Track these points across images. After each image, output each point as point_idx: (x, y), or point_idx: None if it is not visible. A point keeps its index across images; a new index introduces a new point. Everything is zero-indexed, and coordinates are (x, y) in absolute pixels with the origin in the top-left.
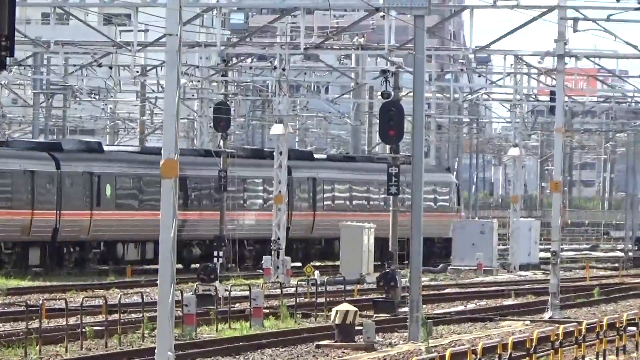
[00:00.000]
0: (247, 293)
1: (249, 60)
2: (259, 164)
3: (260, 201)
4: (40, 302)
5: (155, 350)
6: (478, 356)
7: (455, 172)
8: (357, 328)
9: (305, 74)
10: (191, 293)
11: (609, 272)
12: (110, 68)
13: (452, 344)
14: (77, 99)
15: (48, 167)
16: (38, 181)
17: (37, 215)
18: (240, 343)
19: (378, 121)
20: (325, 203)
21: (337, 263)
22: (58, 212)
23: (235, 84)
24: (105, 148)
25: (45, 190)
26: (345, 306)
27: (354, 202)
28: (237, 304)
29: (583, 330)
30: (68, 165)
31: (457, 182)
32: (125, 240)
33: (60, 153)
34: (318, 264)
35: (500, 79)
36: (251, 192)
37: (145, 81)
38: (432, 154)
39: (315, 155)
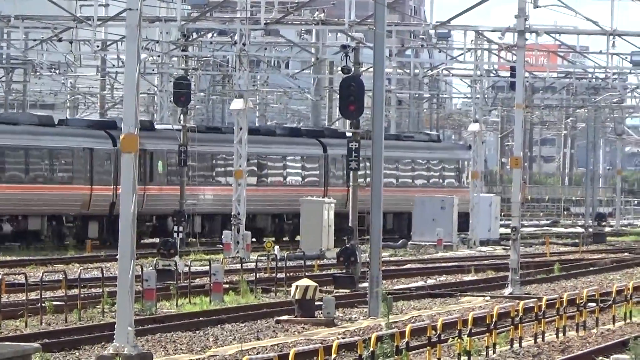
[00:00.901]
0: (207, 268)
1: (209, 35)
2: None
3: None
4: (0, 276)
5: (115, 325)
6: (438, 332)
7: None
8: (317, 303)
9: (265, 49)
10: (151, 268)
11: (569, 248)
12: (71, 43)
13: (412, 320)
14: (38, 73)
15: (105, 145)
16: (96, 158)
17: (95, 191)
18: (200, 318)
19: (338, 96)
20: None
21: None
22: (115, 187)
23: (196, 58)
24: (156, 126)
25: (103, 166)
26: (305, 281)
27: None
28: (197, 279)
29: (543, 306)
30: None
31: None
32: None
33: (115, 131)
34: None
35: (460, 55)
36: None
37: (105, 56)
38: (392, 129)
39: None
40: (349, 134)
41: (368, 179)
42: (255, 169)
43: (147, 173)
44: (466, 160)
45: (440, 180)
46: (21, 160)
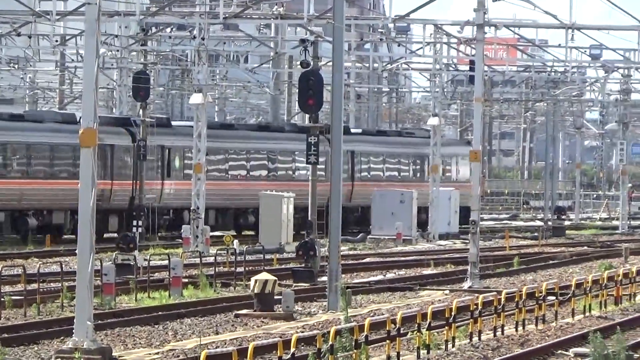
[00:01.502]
0: (166, 262)
1: (169, 29)
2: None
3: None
4: None
5: (75, 320)
6: (397, 326)
7: None
8: (276, 297)
9: (224, 43)
10: (110, 262)
11: (528, 242)
12: (30, 37)
13: (371, 314)
14: None
15: (125, 141)
16: (117, 154)
17: (116, 185)
18: (159, 312)
19: (297, 90)
20: (362, 174)
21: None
22: (134, 182)
23: (155, 53)
24: (173, 123)
25: (122, 162)
26: (264, 275)
27: (387, 174)
28: (156, 274)
29: (502, 300)
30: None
31: None
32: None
33: (134, 127)
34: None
35: (419, 49)
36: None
37: (64, 50)
38: (351, 123)
39: (352, 130)
40: (357, 130)
41: (364, 174)
42: (267, 163)
43: (165, 169)
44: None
45: (444, 174)
46: (46, 156)
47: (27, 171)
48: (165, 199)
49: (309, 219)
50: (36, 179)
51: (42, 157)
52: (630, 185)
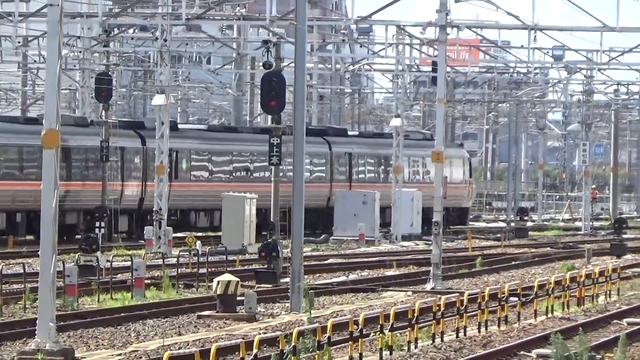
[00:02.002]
0: (129, 264)
1: (131, 30)
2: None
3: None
4: None
5: (37, 321)
6: (360, 327)
7: None
8: (238, 298)
9: (187, 44)
10: (73, 264)
11: (491, 243)
12: None
13: (334, 315)
14: None
15: (135, 144)
16: (127, 156)
17: (126, 187)
18: (122, 314)
19: (260, 92)
20: (359, 176)
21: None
22: (144, 183)
23: (117, 54)
24: (180, 126)
25: (133, 164)
26: (226, 276)
27: (383, 175)
28: (119, 275)
29: (465, 301)
30: (151, 142)
31: (469, 157)
32: (197, 209)
33: (144, 130)
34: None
35: (382, 50)
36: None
37: (27, 52)
38: (313, 124)
39: (349, 132)
40: (353, 133)
41: (361, 175)
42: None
43: (173, 171)
44: (462, 158)
45: (448, 177)
46: (61, 158)
47: None
48: (173, 201)
49: (272, 220)
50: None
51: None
52: (594, 186)
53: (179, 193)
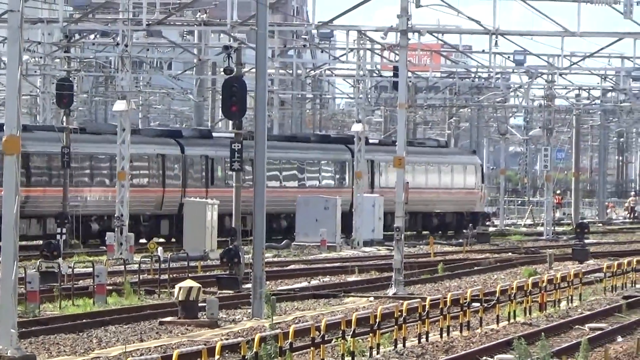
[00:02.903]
0: (90, 270)
1: (92, 36)
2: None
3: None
4: None
5: None
6: (322, 333)
7: None
8: (200, 304)
9: (147, 50)
10: (34, 270)
11: (453, 248)
12: None
13: (296, 321)
14: None
15: (175, 151)
16: (167, 163)
17: (167, 193)
18: (84, 320)
19: (221, 97)
20: (381, 182)
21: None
22: (183, 189)
23: (78, 60)
24: (214, 134)
25: (173, 171)
26: (188, 282)
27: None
28: (81, 281)
29: (427, 307)
30: (190, 149)
31: (481, 163)
32: (231, 214)
33: (182, 139)
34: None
35: (343, 55)
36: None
37: None
38: (275, 129)
39: (370, 140)
40: (374, 141)
41: (382, 182)
42: (297, 173)
43: (209, 177)
44: (474, 165)
45: (453, 181)
46: (107, 165)
47: (93, 180)
48: None
49: (233, 225)
50: (100, 187)
51: (104, 167)
52: (558, 192)
53: (215, 198)
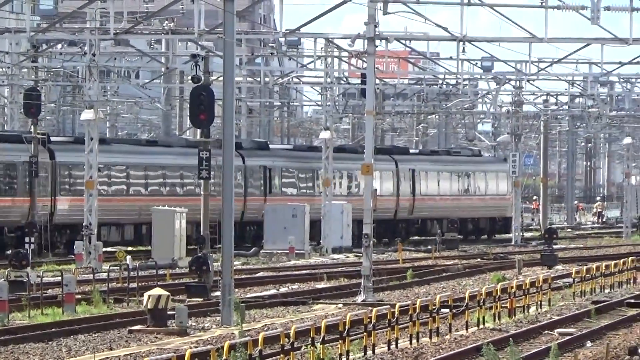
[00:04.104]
0: (59, 279)
1: (59, 46)
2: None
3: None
4: None
5: None
6: (291, 340)
7: None
8: (169, 313)
9: (115, 59)
10: (2, 279)
11: (422, 255)
12: None
13: (265, 328)
14: None
15: (237, 162)
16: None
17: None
18: (53, 329)
19: (189, 105)
20: (421, 190)
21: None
22: (244, 198)
23: (46, 69)
24: (271, 146)
25: (236, 180)
26: (157, 291)
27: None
28: (50, 290)
29: (396, 313)
30: (250, 160)
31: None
32: None
33: (243, 150)
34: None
35: (310, 62)
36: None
37: None
38: (242, 136)
39: (411, 151)
40: (414, 151)
41: (424, 189)
42: (347, 182)
43: (266, 187)
44: (506, 172)
45: (487, 188)
46: (177, 175)
47: (162, 190)
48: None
49: (202, 233)
50: (170, 196)
51: (173, 176)
52: (535, 197)
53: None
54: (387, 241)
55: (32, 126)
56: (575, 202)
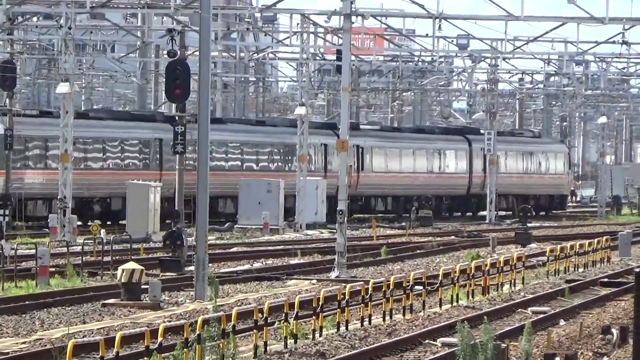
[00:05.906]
0: (33, 252)
1: (35, 18)
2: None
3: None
4: None
5: None
6: (265, 315)
7: None
8: (143, 287)
9: (91, 32)
10: None
11: (396, 232)
12: None
13: (239, 303)
14: None
15: (332, 140)
16: (328, 152)
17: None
18: (27, 302)
19: (164, 80)
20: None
21: None
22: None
23: (21, 42)
24: (361, 126)
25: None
26: (131, 265)
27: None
28: (24, 263)
29: (370, 290)
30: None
31: (568, 151)
32: (378, 195)
33: (336, 129)
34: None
35: (286, 38)
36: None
37: None
38: (217, 112)
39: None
40: (486, 131)
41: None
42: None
43: (359, 164)
44: (563, 153)
45: (547, 168)
46: (254, 151)
47: (246, 164)
48: (360, 189)
49: (176, 208)
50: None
51: (251, 152)
52: None
53: (366, 182)
54: (460, 214)
55: (7, 99)
56: None
